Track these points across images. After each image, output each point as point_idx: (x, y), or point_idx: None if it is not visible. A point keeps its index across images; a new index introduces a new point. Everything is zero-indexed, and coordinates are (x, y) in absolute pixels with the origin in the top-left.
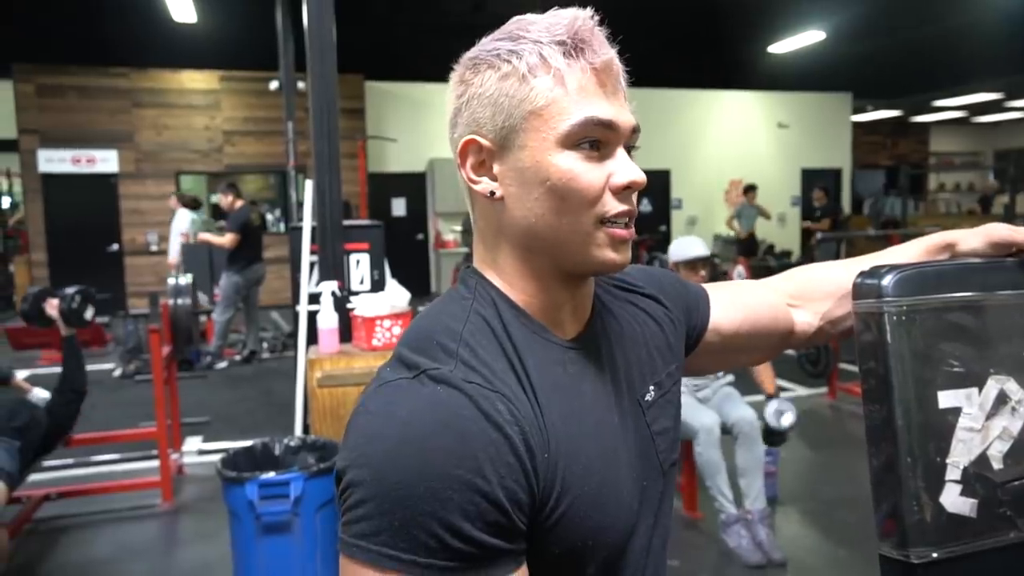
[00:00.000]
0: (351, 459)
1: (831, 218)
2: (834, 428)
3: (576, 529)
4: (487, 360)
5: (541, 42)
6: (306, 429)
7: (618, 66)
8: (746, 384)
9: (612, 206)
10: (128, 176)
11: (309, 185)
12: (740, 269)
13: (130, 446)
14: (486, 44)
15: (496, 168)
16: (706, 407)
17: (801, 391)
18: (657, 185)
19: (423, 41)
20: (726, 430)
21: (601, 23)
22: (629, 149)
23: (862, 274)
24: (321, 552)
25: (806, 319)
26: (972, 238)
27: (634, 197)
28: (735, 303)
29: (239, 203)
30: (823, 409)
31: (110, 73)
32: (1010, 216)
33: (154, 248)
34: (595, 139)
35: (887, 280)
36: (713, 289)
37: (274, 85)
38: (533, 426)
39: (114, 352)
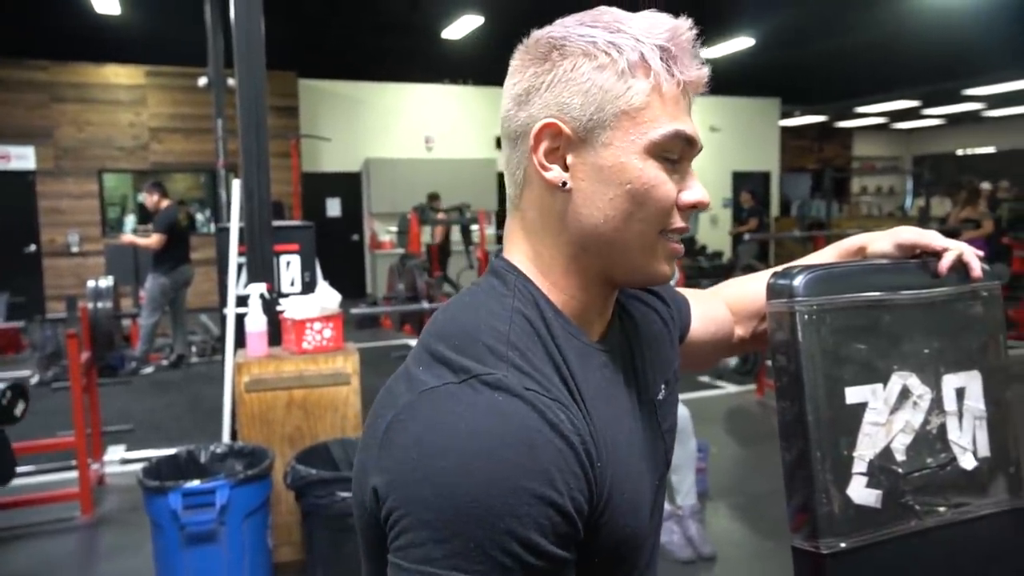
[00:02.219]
0: (401, 476)
1: (757, 219)
2: (762, 424)
3: (614, 535)
4: (537, 365)
5: (642, 41)
6: (234, 435)
7: (704, 85)
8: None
9: (677, 221)
10: (47, 174)
11: (236, 185)
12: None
13: (47, 457)
14: (575, 28)
15: (570, 159)
16: None
17: (730, 388)
18: None
19: (359, 39)
20: None
21: (697, 37)
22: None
23: (775, 275)
24: (249, 562)
25: (739, 332)
26: (881, 241)
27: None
28: (705, 312)
29: (165, 203)
30: (751, 405)
31: (27, 66)
32: (924, 219)
33: (75, 249)
34: (676, 153)
35: (798, 281)
36: (690, 296)
37: (203, 81)
38: (587, 434)
39: (31, 358)
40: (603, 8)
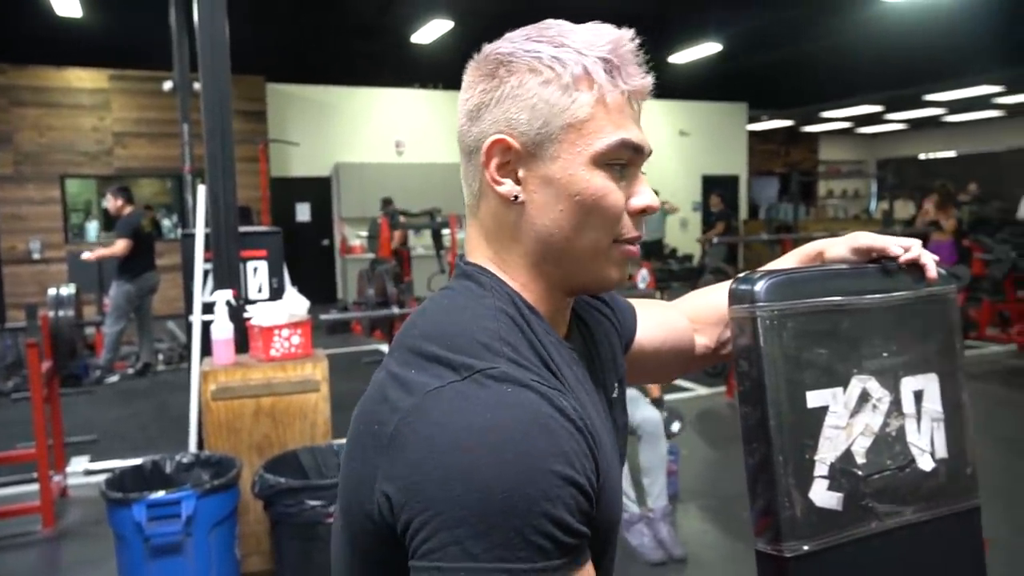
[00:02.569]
0: (421, 479)
1: (725, 222)
2: (732, 426)
3: (604, 518)
4: (529, 357)
5: (585, 54)
6: (201, 444)
7: (649, 93)
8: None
9: (628, 229)
10: (6, 179)
11: (202, 190)
12: (644, 272)
13: (8, 469)
14: (522, 43)
15: (521, 172)
16: None
17: (701, 390)
18: None
19: (328, 43)
20: (630, 431)
21: (640, 47)
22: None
23: (736, 280)
24: (216, 573)
25: (703, 342)
26: (838, 246)
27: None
28: (656, 322)
29: (128, 208)
30: (721, 408)
31: None
32: (888, 221)
33: (36, 256)
34: (623, 161)
35: (759, 286)
36: (638, 305)
37: (168, 85)
38: (587, 420)
39: None
40: (550, 21)
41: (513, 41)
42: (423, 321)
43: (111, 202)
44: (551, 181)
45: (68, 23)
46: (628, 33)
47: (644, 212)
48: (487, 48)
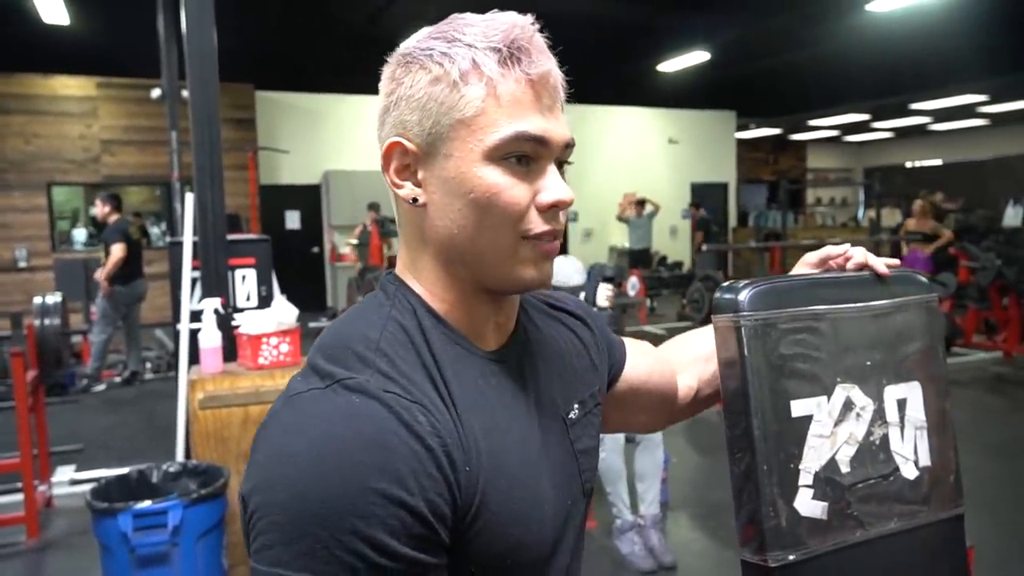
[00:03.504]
0: (259, 480)
1: (703, 231)
2: (722, 434)
3: (495, 545)
4: (405, 370)
5: (475, 47)
6: (188, 454)
7: (556, 77)
8: None
9: (536, 224)
10: None
11: (190, 198)
12: (634, 280)
13: None
14: (422, 41)
15: (421, 174)
16: None
17: None
18: None
19: (317, 51)
20: (628, 438)
21: (541, 30)
22: (561, 164)
23: (721, 289)
24: None
25: (687, 382)
26: (796, 269)
27: (561, 215)
28: (643, 360)
29: (115, 216)
30: (711, 415)
31: None
32: (875, 229)
33: (22, 264)
34: (523, 154)
35: (743, 295)
36: (628, 343)
37: (156, 93)
38: (454, 437)
39: None
40: (454, 16)
41: (417, 39)
42: (327, 330)
43: (99, 208)
44: (446, 181)
45: (55, 30)
46: (525, 19)
47: (555, 207)
48: (398, 48)
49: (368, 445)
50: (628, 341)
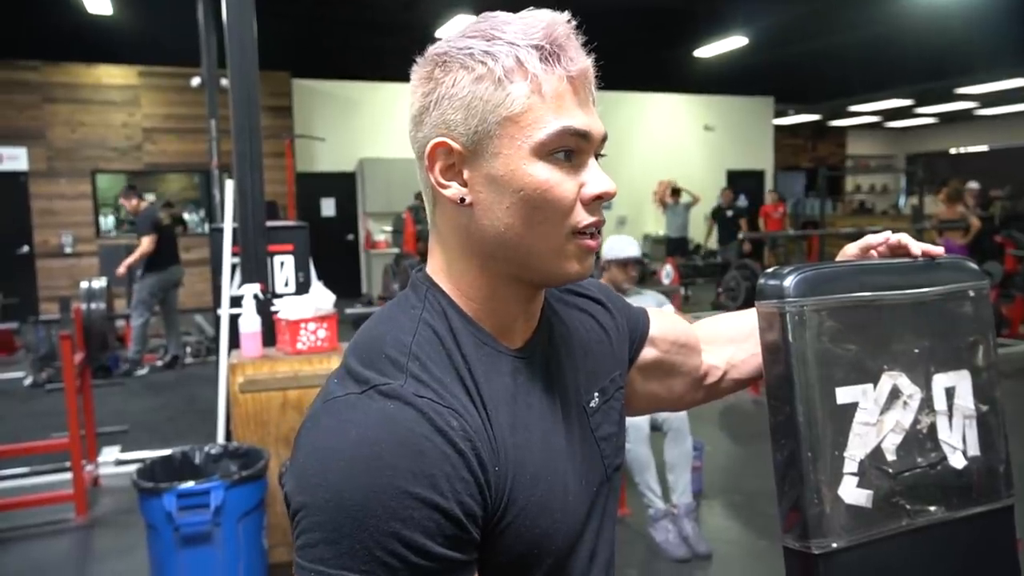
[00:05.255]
0: (302, 481)
1: (715, 218)
2: (756, 422)
3: (523, 537)
4: (437, 374)
5: (517, 45)
6: (228, 436)
7: (592, 73)
8: None
9: (583, 217)
10: (40, 175)
11: (230, 185)
12: (668, 268)
13: (42, 458)
14: (457, 41)
15: (466, 173)
16: None
17: None
18: None
19: (352, 38)
20: (655, 426)
21: (578, 28)
22: (597, 156)
23: (765, 275)
24: (244, 563)
25: (713, 362)
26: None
27: (602, 207)
28: (669, 328)
29: (143, 204)
30: (746, 404)
31: (19, 66)
32: (918, 216)
33: (68, 250)
34: (569, 149)
35: (788, 281)
36: (652, 311)
37: (196, 82)
38: (484, 439)
39: (24, 360)
40: (486, 15)
41: (449, 40)
42: (360, 332)
43: (127, 203)
44: (495, 179)
45: (99, 20)
46: (562, 17)
47: (600, 200)
48: (429, 49)
49: (403, 450)
50: (653, 312)
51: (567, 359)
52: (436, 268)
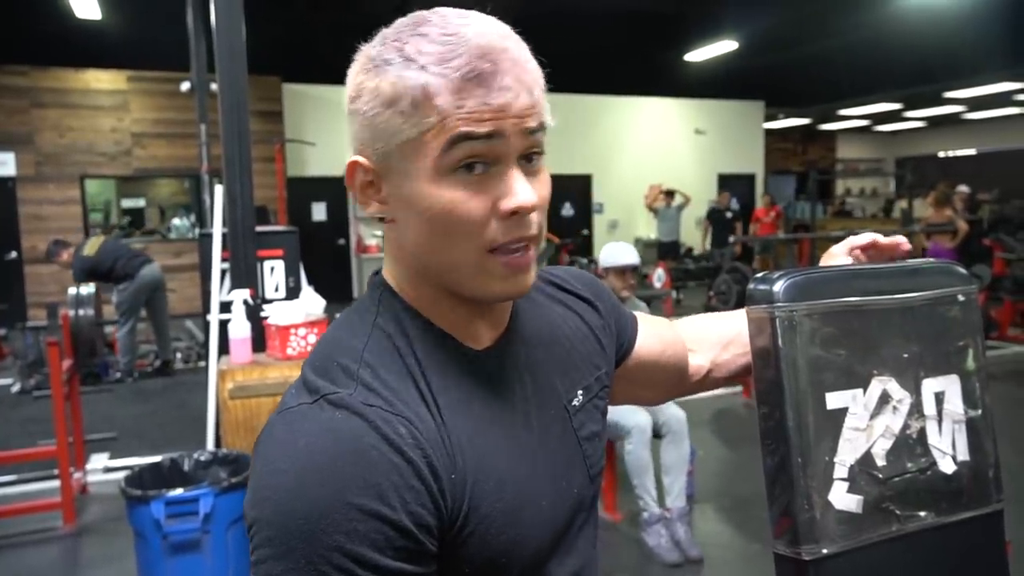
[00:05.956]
0: (253, 495)
1: (712, 220)
2: (748, 426)
3: (489, 546)
4: (389, 381)
5: (428, 70)
6: (218, 443)
7: (523, 101)
8: None
9: (500, 235)
10: (27, 180)
11: (219, 190)
12: (660, 272)
13: (29, 466)
14: (386, 46)
15: (384, 190)
16: (636, 407)
17: (717, 390)
18: (579, 189)
19: (342, 43)
20: (655, 429)
21: (522, 34)
22: (531, 156)
23: (755, 280)
24: (234, 570)
25: (699, 362)
26: (824, 262)
27: (535, 218)
28: (655, 334)
29: (68, 252)
30: (738, 408)
31: (7, 71)
32: (907, 219)
33: None
34: (474, 160)
35: (778, 286)
36: (639, 317)
37: (186, 86)
38: (438, 447)
39: (12, 366)
40: (419, 16)
41: (382, 40)
42: (319, 339)
43: (59, 261)
44: (404, 199)
45: (87, 25)
46: (497, 41)
47: (516, 214)
48: (364, 47)
49: (349, 461)
50: (641, 317)
51: (547, 357)
52: (389, 272)
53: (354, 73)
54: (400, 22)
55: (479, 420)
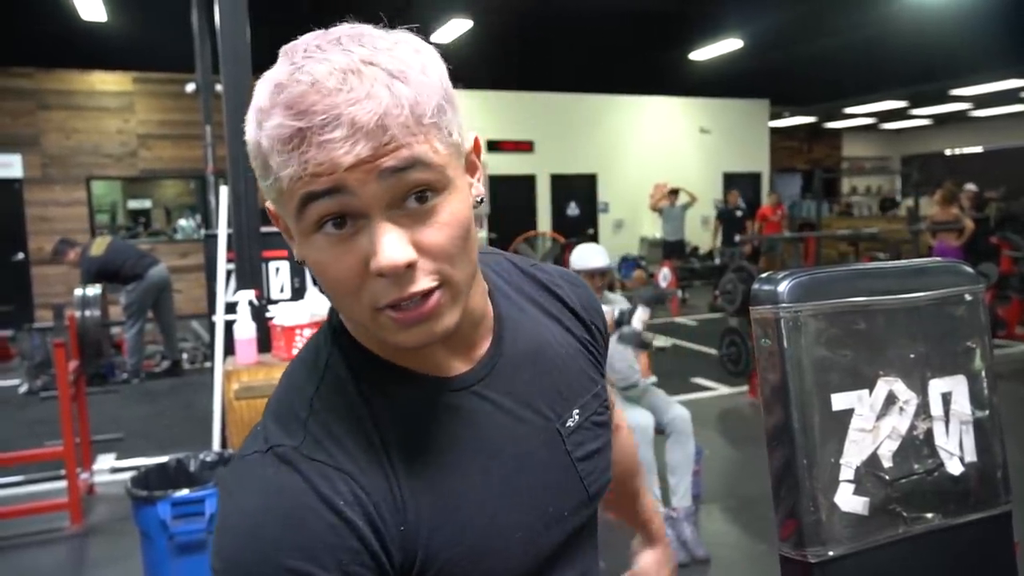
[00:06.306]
0: (213, 545)
1: (723, 219)
2: (755, 426)
3: None
4: (336, 431)
5: (265, 127)
6: (224, 443)
7: (359, 148)
8: (673, 385)
9: (380, 295)
10: (34, 181)
11: (224, 191)
12: (666, 271)
13: (36, 467)
14: (266, 80)
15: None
16: (639, 407)
17: (723, 389)
18: (584, 189)
19: None
20: (658, 429)
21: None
22: (422, 196)
23: (759, 280)
24: None
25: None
26: None
27: (427, 268)
28: (621, 447)
29: (75, 251)
30: (744, 407)
31: (12, 73)
32: (913, 218)
33: None
34: (331, 217)
35: (782, 286)
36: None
37: (190, 87)
38: (386, 500)
39: (20, 367)
40: (290, 48)
41: (274, 69)
42: (283, 373)
43: (67, 260)
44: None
45: (93, 27)
46: (312, 91)
47: (383, 275)
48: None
49: (286, 523)
50: (618, 417)
51: (535, 378)
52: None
53: None
54: (284, 48)
55: (439, 462)
